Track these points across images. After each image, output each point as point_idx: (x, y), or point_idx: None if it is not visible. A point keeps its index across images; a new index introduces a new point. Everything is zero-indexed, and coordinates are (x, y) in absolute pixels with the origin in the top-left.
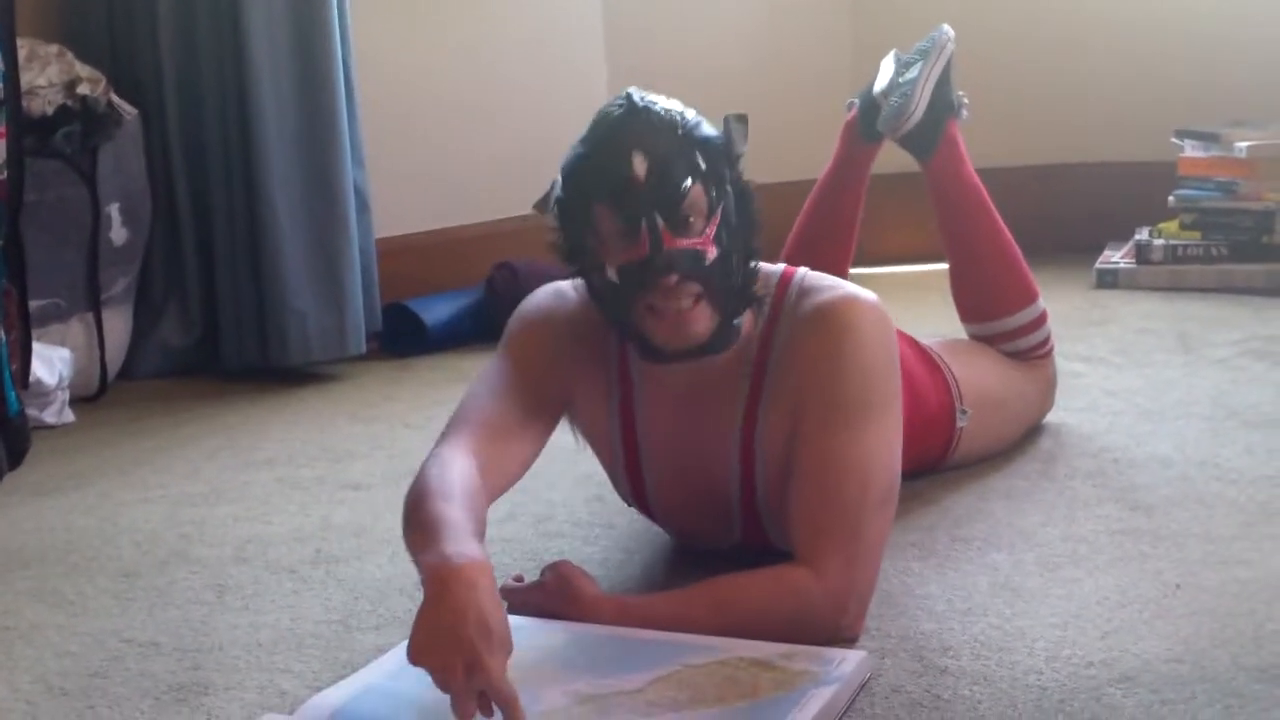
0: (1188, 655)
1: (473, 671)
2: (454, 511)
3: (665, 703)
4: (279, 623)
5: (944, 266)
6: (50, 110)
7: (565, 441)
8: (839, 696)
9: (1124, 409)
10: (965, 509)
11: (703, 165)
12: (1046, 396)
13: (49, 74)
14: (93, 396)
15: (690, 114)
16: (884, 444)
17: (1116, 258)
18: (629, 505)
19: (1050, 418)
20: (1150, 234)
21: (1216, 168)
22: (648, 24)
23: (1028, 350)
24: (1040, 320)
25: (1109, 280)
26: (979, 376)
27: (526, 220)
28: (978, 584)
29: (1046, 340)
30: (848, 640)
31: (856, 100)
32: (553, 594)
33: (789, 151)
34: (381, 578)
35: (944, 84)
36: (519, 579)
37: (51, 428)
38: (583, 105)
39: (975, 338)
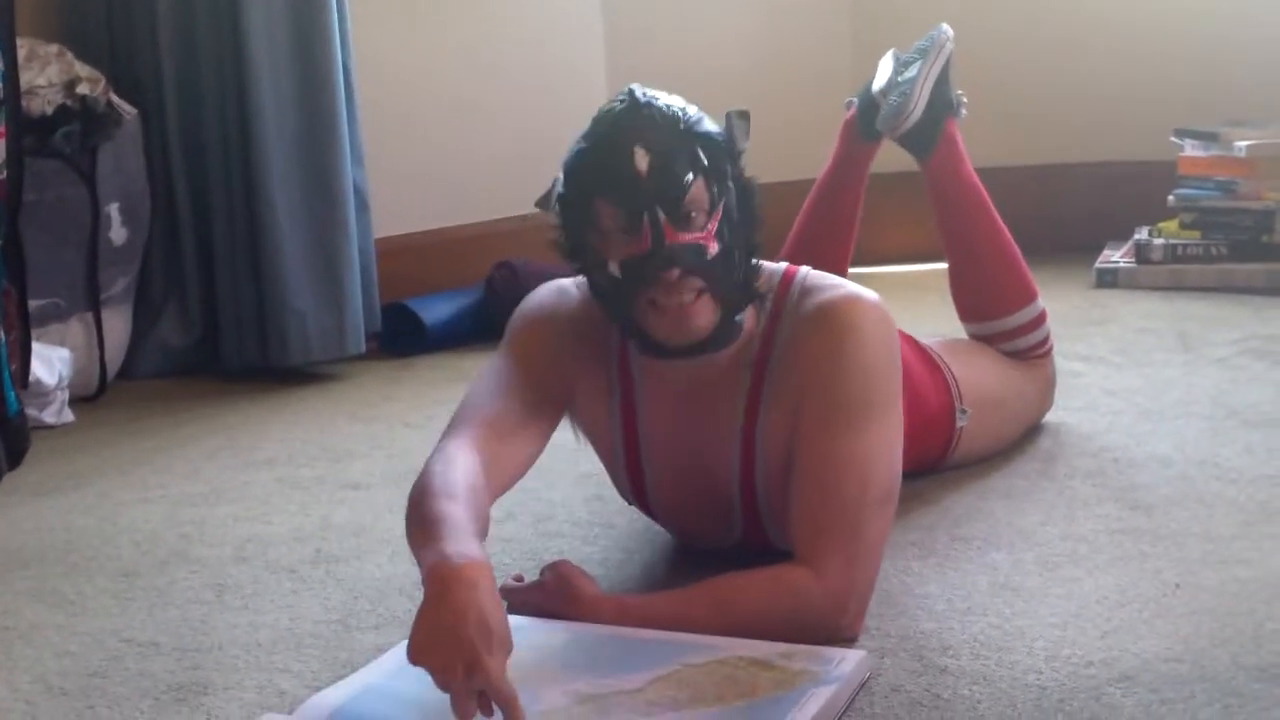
0: (1187, 654)
1: (472, 671)
2: (456, 510)
3: (665, 702)
4: (278, 622)
5: (943, 266)
6: (50, 110)
7: (565, 440)
8: (838, 696)
9: (1124, 408)
10: (965, 508)
11: (705, 160)
12: (1046, 396)
13: (48, 74)
14: (92, 396)
15: (692, 110)
16: (885, 444)
17: (1116, 257)
18: (629, 503)
19: (1050, 417)
20: (1150, 233)
21: (1216, 167)
22: (647, 24)
23: (1027, 350)
24: (1039, 320)
25: (1109, 280)
26: (978, 376)
27: (526, 220)
28: (977, 583)
29: (1046, 340)
30: (847, 640)
31: (855, 99)
32: (552, 594)
33: (788, 151)
34: (381, 577)
35: (943, 83)
36: (519, 579)
37: (51, 428)
38: (582, 105)
39: (974, 337)
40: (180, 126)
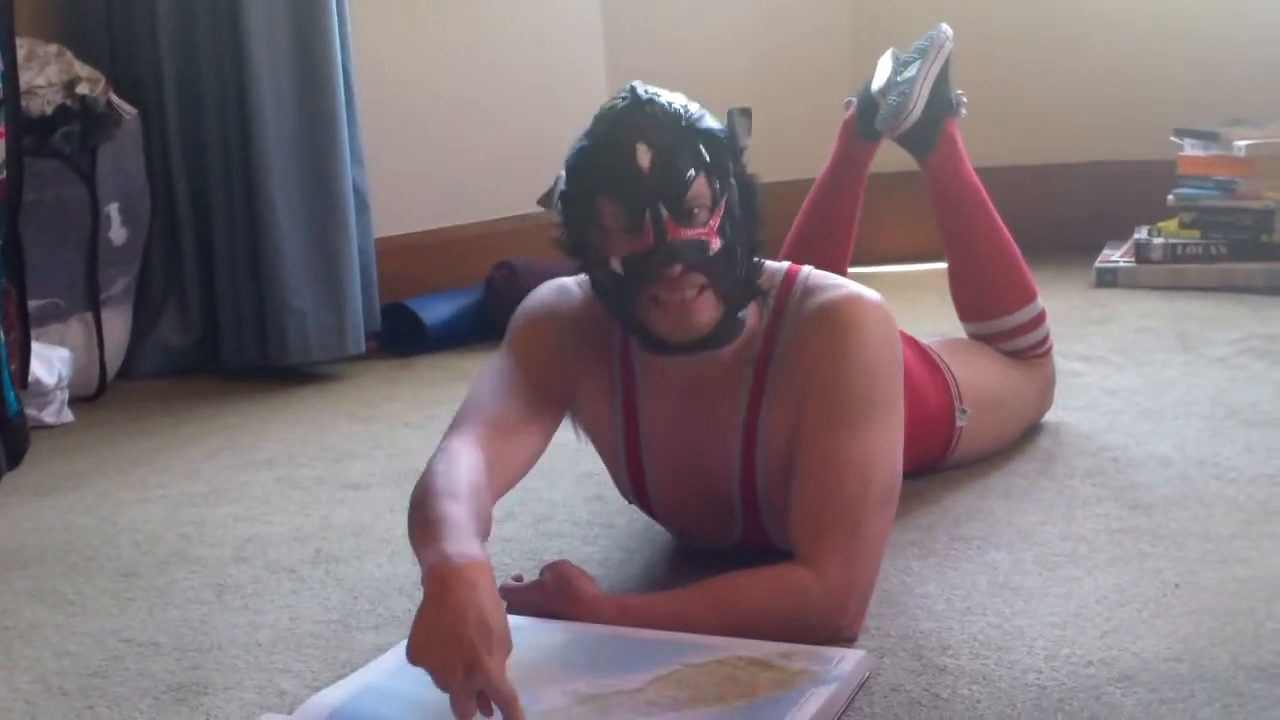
0: (1187, 654)
1: (472, 671)
2: (457, 510)
3: (665, 702)
4: (278, 622)
5: (942, 265)
6: (49, 110)
7: (566, 440)
8: (838, 696)
9: (1123, 408)
10: (965, 508)
11: (706, 157)
12: (1045, 395)
13: (48, 74)
14: (92, 396)
15: (694, 107)
16: (886, 443)
17: (1116, 257)
18: (630, 502)
19: (1049, 417)
20: (1150, 233)
21: (1216, 166)
22: (647, 23)
23: (1026, 349)
24: (1039, 319)
25: (1108, 279)
26: (978, 376)
27: (526, 219)
28: (977, 583)
29: (1045, 339)
30: (847, 639)
31: (854, 99)
32: (552, 594)
33: (787, 150)
34: (381, 577)
35: (942, 83)
36: (519, 579)
37: (50, 427)
38: (582, 104)
39: (974, 337)
40: (180, 126)
